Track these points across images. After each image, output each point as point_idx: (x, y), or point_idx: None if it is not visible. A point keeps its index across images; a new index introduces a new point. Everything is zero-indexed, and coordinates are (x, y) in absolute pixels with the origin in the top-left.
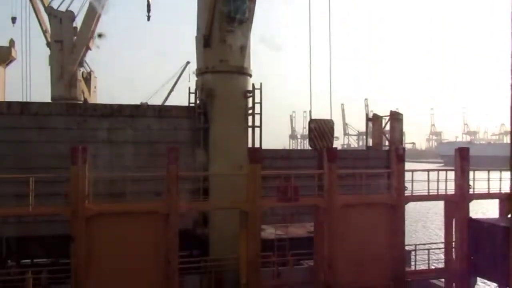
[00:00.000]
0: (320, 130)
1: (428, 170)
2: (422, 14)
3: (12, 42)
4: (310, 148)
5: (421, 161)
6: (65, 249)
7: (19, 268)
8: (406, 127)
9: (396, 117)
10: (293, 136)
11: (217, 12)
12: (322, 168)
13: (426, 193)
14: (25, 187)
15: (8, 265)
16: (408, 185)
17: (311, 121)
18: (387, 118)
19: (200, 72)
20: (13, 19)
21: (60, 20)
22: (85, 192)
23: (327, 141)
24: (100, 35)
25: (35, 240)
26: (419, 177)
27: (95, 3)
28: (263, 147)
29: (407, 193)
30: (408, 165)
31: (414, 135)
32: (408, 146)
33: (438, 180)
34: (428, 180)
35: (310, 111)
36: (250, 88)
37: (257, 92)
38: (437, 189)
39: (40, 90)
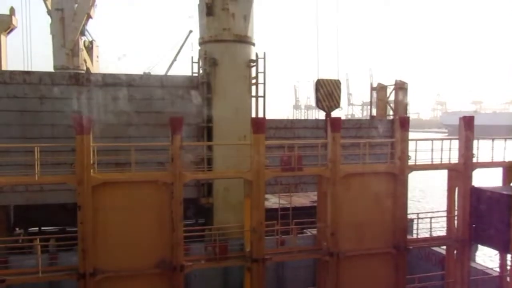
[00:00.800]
0: (327, 90)
1: (432, 139)
2: None
3: (12, 10)
4: (317, 106)
5: (426, 131)
6: (71, 217)
7: (27, 236)
8: (411, 97)
9: (401, 87)
10: (296, 107)
11: None
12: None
13: (430, 162)
14: (31, 156)
15: (16, 233)
16: (412, 154)
17: (318, 81)
18: (392, 87)
19: (203, 41)
20: None
21: None
22: (90, 161)
23: (335, 101)
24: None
25: (42, 209)
26: (423, 147)
27: None
28: (267, 117)
29: (411, 162)
30: (412, 135)
31: (419, 105)
32: (412, 116)
33: (442, 149)
34: (432, 150)
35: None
36: (254, 57)
37: (260, 62)
38: (441, 158)
39: (42, 59)
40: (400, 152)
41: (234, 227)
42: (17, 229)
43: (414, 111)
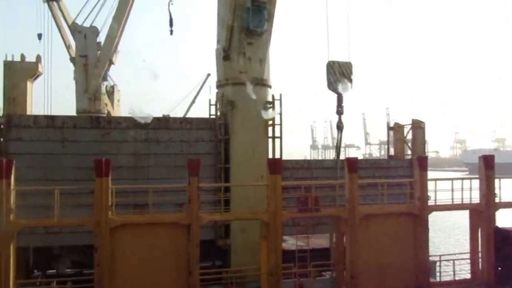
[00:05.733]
0: (338, 71)
1: (452, 179)
2: (445, 19)
3: (39, 58)
4: (328, 88)
5: (445, 169)
6: (89, 259)
7: (45, 278)
8: (428, 136)
9: (418, 126)
10: (314, 147)
11: (236, 25)
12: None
13: (450, 202)
14: (51, 198)
15: (34, 275)
16: (431, 194)
17: (329, 62)
18: (409, 126)
19: (220, 84)
20: (39, 36)
21: (84, 35)
22: (109, 203)
23: (346, 81)
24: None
25: (61, 250)
26: (443, 186)
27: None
28: (284, 157)
29: (431, 202)
30: (431, 174)
31: (438, 143)
32: (431, 155)
33: (462, 189)
34: (452, 189)
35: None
36: (270, 99)
37: (277, 103)
38: (462, 198)
39: (63, 104)
40: (420, 192)
41: (251, 269)
42: (35, 271)
43: (433, 150)
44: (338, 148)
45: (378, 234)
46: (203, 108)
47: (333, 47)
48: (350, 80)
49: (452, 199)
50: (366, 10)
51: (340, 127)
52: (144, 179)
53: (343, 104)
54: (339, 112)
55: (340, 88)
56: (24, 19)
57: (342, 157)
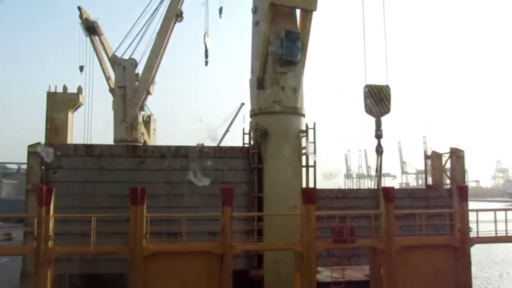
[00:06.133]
0: (376, 94)
1: (495, 210)
2: (482, 42)
3: (80, 89)
4: (366, 112)
5: (487, 200)
6: (124, 287)
7: None
8: (468, 164)
9: (457, 154)
10: (348, 176)
11: (270, 55)
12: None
13: (494, 235)
14: (87, 225)
15: None
16: (473, 226)
17: (366, 86)
18: (447, 155)
19: (254, 113)
20: (81, 68)
21: (123, 67)
22: (143, 231)
23: (384, 106)
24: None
25: (96, 278)
26: (485, 217)
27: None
28: (318, 186)
29: (472, 234)
30: (472, 205)
31: (478, 173)
32: (471, 184)
33: (506, 220)
34: (495, 220)
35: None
36: (304, 127)
37: (310, 132)
38: (506, 230)
39: (102, 134)
40: (460, 223)
41: None
42: None
43: (473, 179)
44: (379, 173)
45: (417, 267)
46: (237, 137)
47: (370, 71)
48: (389, 103)
49: (496, 231)
50: (403, 33)
51: (379, 151)
52: (178, 207)
53: (382, 128)
54: (378, 135)
55: (378, 111)
56: (68, 52)
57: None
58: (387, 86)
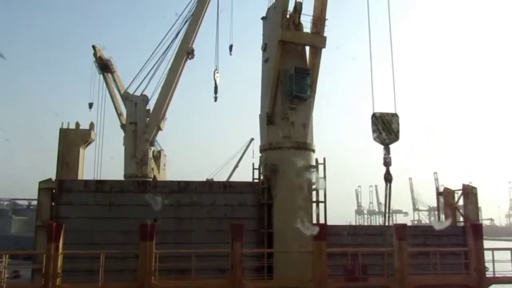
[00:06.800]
0: (385, 122)
1: (511, 249)
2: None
3: (92, 125)
4: (374, 139)
5: (502, 239)
6: None
7: None
8: (482, 202)
9: (469, 191)
10: (359, 212)
11: (280, 91)
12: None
13: (511, 275)
14: (96, 262)
15: None
16: (489, 265)
17: (374, 114)
18: (460, 192)
19: (263, 149)
20: (90, 105)
21: (135, 103)
22: (152, 268)
23: (393, 133)
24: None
25: None
26: (501, 257)
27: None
28: (328, 222)
29: (489, 274)
30: (486, 243)
31: (492, 211)
32: (485, 223)
33: None
34: None
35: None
36: (314, 163)
37: (320, 167)
38: None
39: (112, 170)
40: (476, 262)
41: None
42: None
43: (487, 217)
44: (387, 203)
45: None
46: (247, 172)
47: (378, 102)
48: (396, 135)
49: None
50: (410, 66)
51: (388, 178)
52: (187, 243)
53: (390, 155)
54: (387, 163)
55: (386, 137)
56: (81, 88)
57: (389, 222)
58: (396, 114)
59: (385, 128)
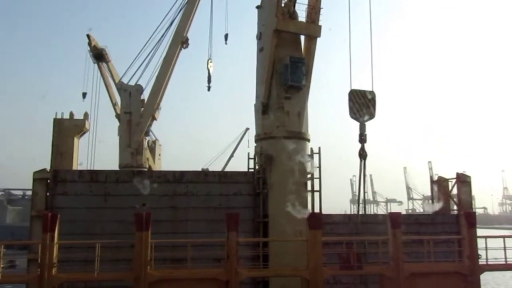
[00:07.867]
0: (361, 98)
1: (504, 237)
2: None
3: (86, 115)
4: (350, 116)
5: (495, 227)
6: None
7: None
8: (475, 191)
9: (463, 180)
10: (353, 201)
11: (275, 81)
12: None
13: (504, 262)
14: (92, 252)
15: None
16: (481, 253)
17: (351, 91)
18: (454, 181)
19: (258, 138)
20: (84, 95)
21: (129, 93)
22: (148, 258)
23: (370, 110)
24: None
25: None
26: (494, 244)
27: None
28: (323, 211)
29: (482, 261)
30: (480, 232)
31: (486, 199)
32: (479, 211)
33: None
34: (505, 248)
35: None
36: (309, 152)
37: (316, 157)
38: None
39: (107, 159)
40: (469, 250)
41: None
42: None
43: (480, 206)
44: (362, 181)
45: None
46: (242, 162)
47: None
48: (372, 112)
49: (506, 258)
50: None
51: (363, 155)
52: (183, 233)
53: (366, 132)
54: (362, 140)
55: (362, 115)
56: (75, 77)
57: (383, 212)
58: (372, 91)
59: (361, 104)
